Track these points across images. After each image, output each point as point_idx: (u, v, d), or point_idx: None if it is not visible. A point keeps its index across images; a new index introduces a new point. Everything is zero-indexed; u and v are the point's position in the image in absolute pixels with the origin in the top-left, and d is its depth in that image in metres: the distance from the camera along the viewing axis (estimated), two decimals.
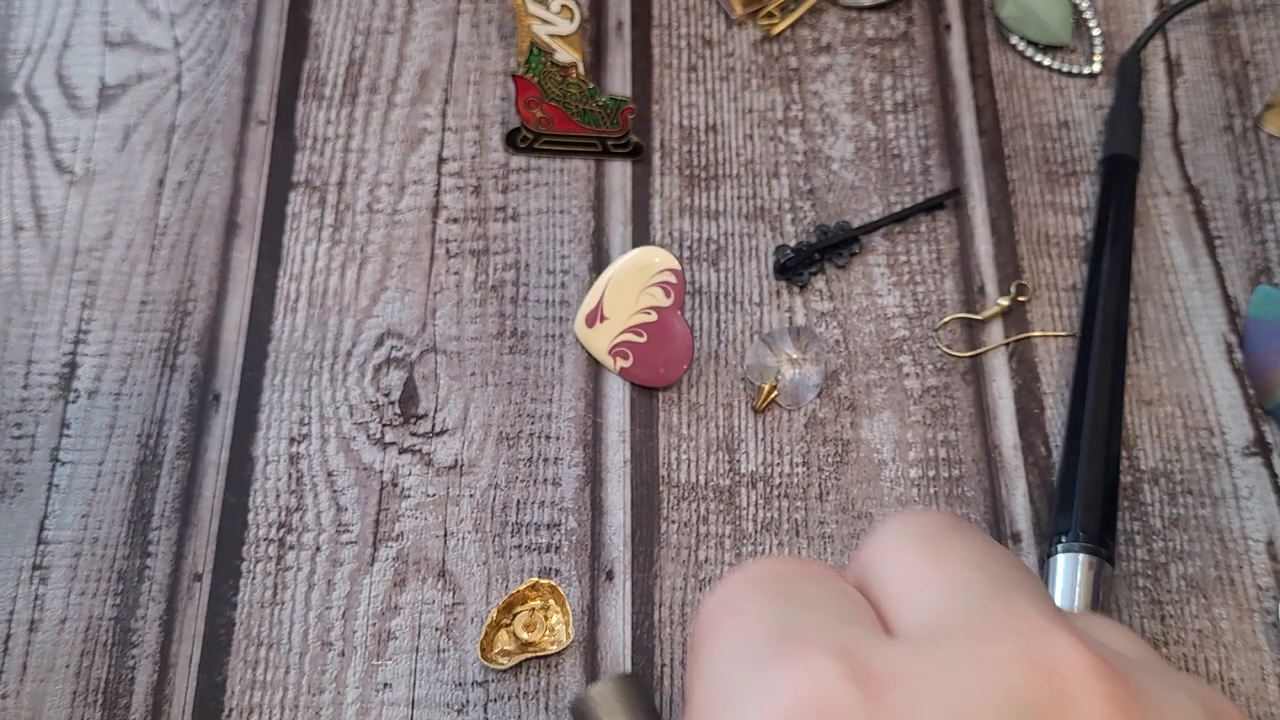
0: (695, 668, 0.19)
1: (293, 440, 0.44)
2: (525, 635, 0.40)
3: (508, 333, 0.46)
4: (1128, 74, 0.50)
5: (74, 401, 0.45)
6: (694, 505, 0.43)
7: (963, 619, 0.18)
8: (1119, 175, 0.47)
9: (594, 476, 0.44)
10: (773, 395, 0.44)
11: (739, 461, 0.44)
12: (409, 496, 0.43)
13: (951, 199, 0.48)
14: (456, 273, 0.47)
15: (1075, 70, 0.51)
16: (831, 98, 0.50)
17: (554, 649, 0.40)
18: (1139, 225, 0.47)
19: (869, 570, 0.21)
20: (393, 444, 0.44)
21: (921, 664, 0.17)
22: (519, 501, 0.43)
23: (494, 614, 0.40)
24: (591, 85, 0.47)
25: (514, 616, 0.40)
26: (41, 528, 0.43)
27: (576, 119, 0.48)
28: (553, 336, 0.46)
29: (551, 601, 0.40)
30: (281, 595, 0.42)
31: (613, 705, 0.36)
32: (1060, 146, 0.49)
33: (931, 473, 0.43)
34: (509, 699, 0.40)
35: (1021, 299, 0.46)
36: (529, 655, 0.40)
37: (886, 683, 0.17)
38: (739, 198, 0.48)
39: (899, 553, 0.20)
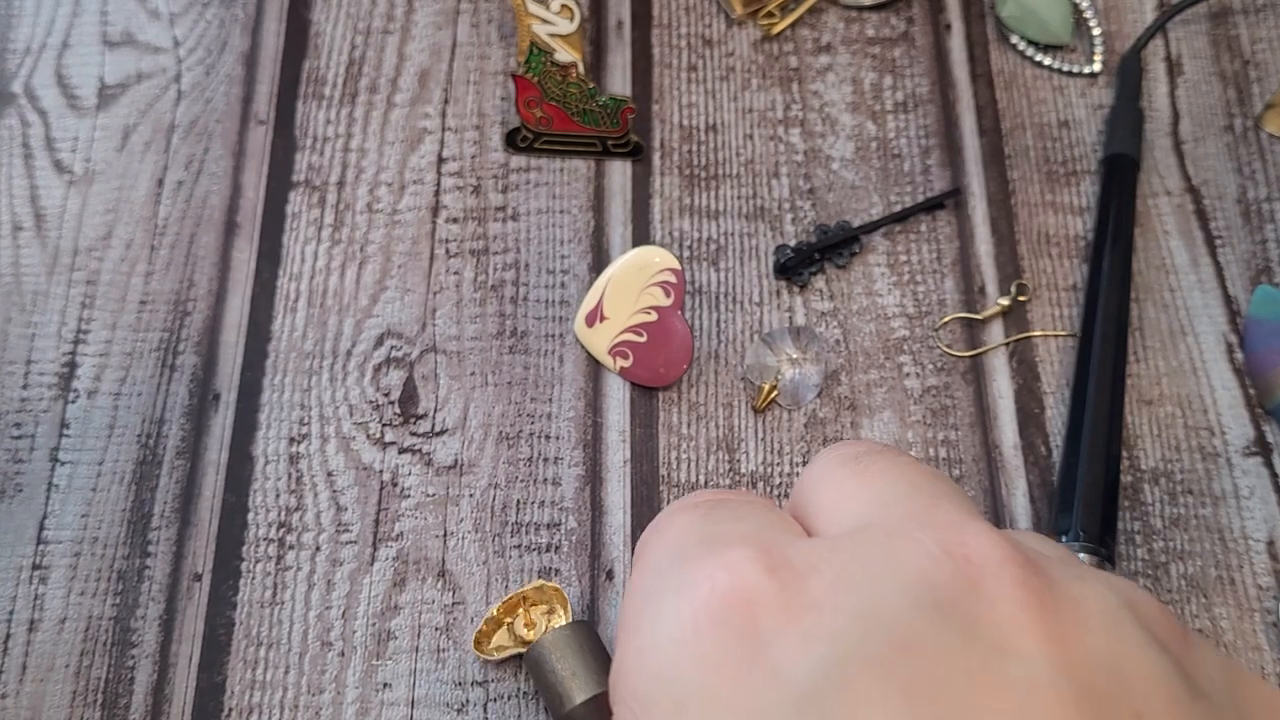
0: (627, 586, 0.20)
1: (292, 440, 0.44)
2: (527, 634, 0.40)
3: (508, 332, 0.46)
4: (1128, 74, 0.50)
5: (73, 401, 0.45)
6: None
7: (881, 519, 0.19)
8: (1119, 175, 0.47)
9: (594, 476, 0.44)
10: (773, 395, 0.44)
11: (739, 461, 0.44)
12: (409, 496, 0.43)
13: (952, 199, 0.48)
14: (456, 272, 0.47)
15: (1076, 70, 0.51)
16: (832, 97, 0.50)
17: None
18: (1139, 225, 0.47)
19: (802, 496, 0.21)
20: (392, 444, 0.44)
21: (835, 555, 0.17)
22: (519, 501, 0.43)
23: (495, 611, 0.40)
24: (591, 85, 0.47)
25: (516, 617, 0.40)
26: (41, 527, 0.43)
27: (576, 119, 0.48)
28: (553, 336, 0.46)
29: (556, 605, 0.40)
30: (281, 595, 0.42)
31: (563, 649, 0.37)
32: (1060, 146, 0.49)
33: None
34: (509, 699, 0.40)
35: (1022, 299, 0.46)
36: (522, 650, 0.40)
37: (801, 572, 0.17)
38: (739, 197, 0.48)
39: (827, 473, 0.21)
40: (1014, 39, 0.51)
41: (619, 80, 0.51)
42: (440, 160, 0.49)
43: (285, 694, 0.40)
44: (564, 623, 0.39)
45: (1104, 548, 0.40)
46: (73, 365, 0.46)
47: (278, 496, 0.43)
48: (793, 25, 0.52)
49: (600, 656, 0.37)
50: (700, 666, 0.17)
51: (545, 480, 0.44)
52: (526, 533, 0.43)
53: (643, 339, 0.44)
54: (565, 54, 0.48)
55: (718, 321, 0.46)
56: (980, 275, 0.47)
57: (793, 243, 0.47)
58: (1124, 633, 0.16)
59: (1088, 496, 0.41)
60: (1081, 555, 0.39)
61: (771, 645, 0.16)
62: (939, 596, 0.16)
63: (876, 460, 0.21)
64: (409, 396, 0.45)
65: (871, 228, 0.47)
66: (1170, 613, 0.18)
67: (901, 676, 0.15)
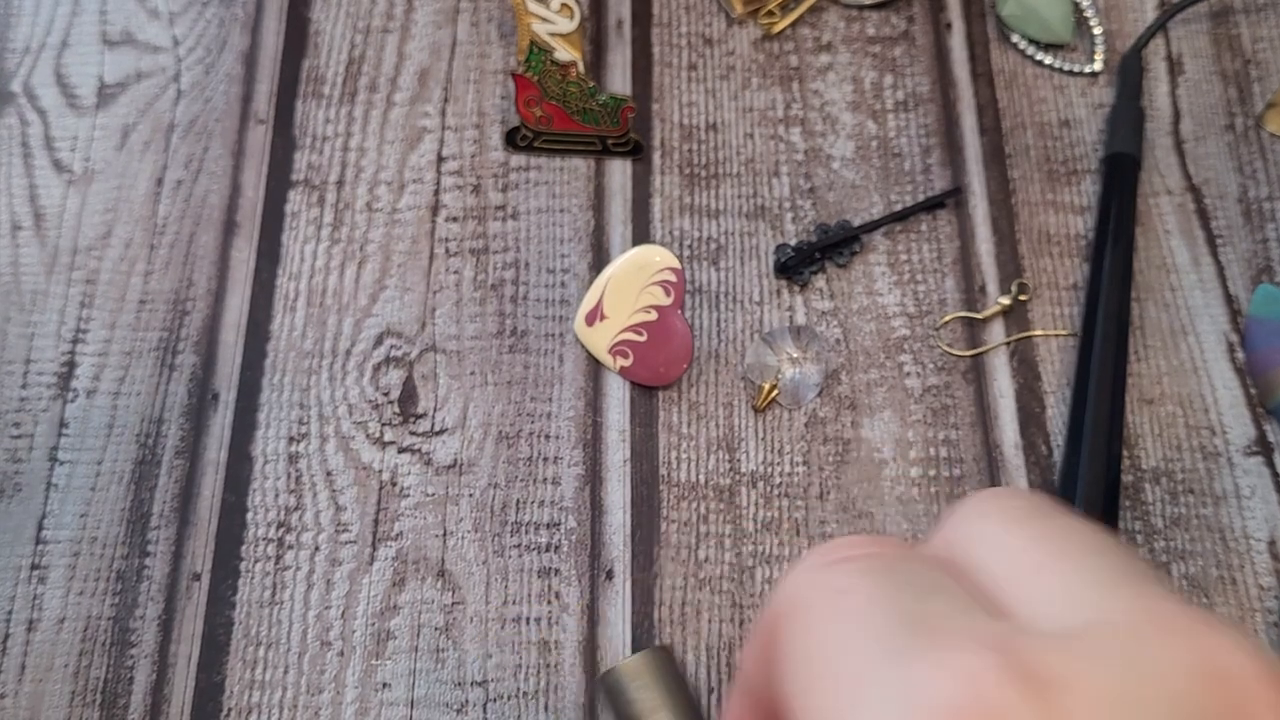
0: (800, 657, 0.17)
1: (291, 439, 0.44)
2: None
3: (507, 332, 0.46)
4: (1129, 73, 0.50)
5: (72, 401, 0.45)
6: (694, 504, 0.43)
7: (1109, 614, 0.17)
8: (1120, 174, 0.47)
9: (594, 476, 0.44)
10: (773, 394, 0.44)
11: (739, 461, 0.44)
12: (408, 496, 0.43)
13: (952, 198, 0.48)
14: (456, 272, 0.47)
15: (1076, 69, 0.51)
16: (832, 96, 0.50)
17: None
18: (1140, 224, 0.47)
19: (960, 556, 0.19)
20: (392, 443, 0.44)
21: (1085, 664, 0.15)
22: (519, 501, 0.43)
23: None
24: (591, 84, 0.46)
25: None
26: (40, 527, 0.43)
27: (576, 118, 0.48)
28: (552, 335, 0.46)
29: None
30: (280, 595, 0.42)
31: (644, 678, 0.35)
32: (1061, 145, 0.49)
33: (932, 472, 0.43)
34: (509, 699, 0.40)
35: (1022, 298, 0.46)
36: None
37: (1052, 683, 0.15)
38: (739, 196, 0.48)
39: (998, 536, 0.19)
40: (1015, 38, 0.51)
41: (619, 79, 0.51)
42: (440, 159, 0.49)
43: (284, 694, 0.40)
44: (640, 651, 0.37)
45: None
46: (72, 365, 0.46)
47: (277, 496, 0.43)
48: (793, 24, 0.52)
49: (682, 687, 0.36)
50: None
51: (545, 480, 0.43)
52: (526, 532, 0.43)
53: (643, 338, 0.44)
54: (565, 53, 0.48)
55: (718, 321, 0.46)
56: (981, 274, 0.47)
57: (793, 242, 0.47)
58: None
59: (1089, 496, 0.41)
60: None
61: None
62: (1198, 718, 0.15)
63: (1052, 524, 0.18)
64: (408, 396, 0.45)
65: (872, 227, 0.47)
66: None
67: None
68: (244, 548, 0.42)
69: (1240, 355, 0.45)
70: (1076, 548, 0.18)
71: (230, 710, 0.40)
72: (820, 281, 0.47)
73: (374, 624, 0.41)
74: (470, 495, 0.43)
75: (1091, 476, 0.41)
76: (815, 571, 0.18)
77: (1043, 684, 0.15)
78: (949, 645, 0.15)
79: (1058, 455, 0.43)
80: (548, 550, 0.42)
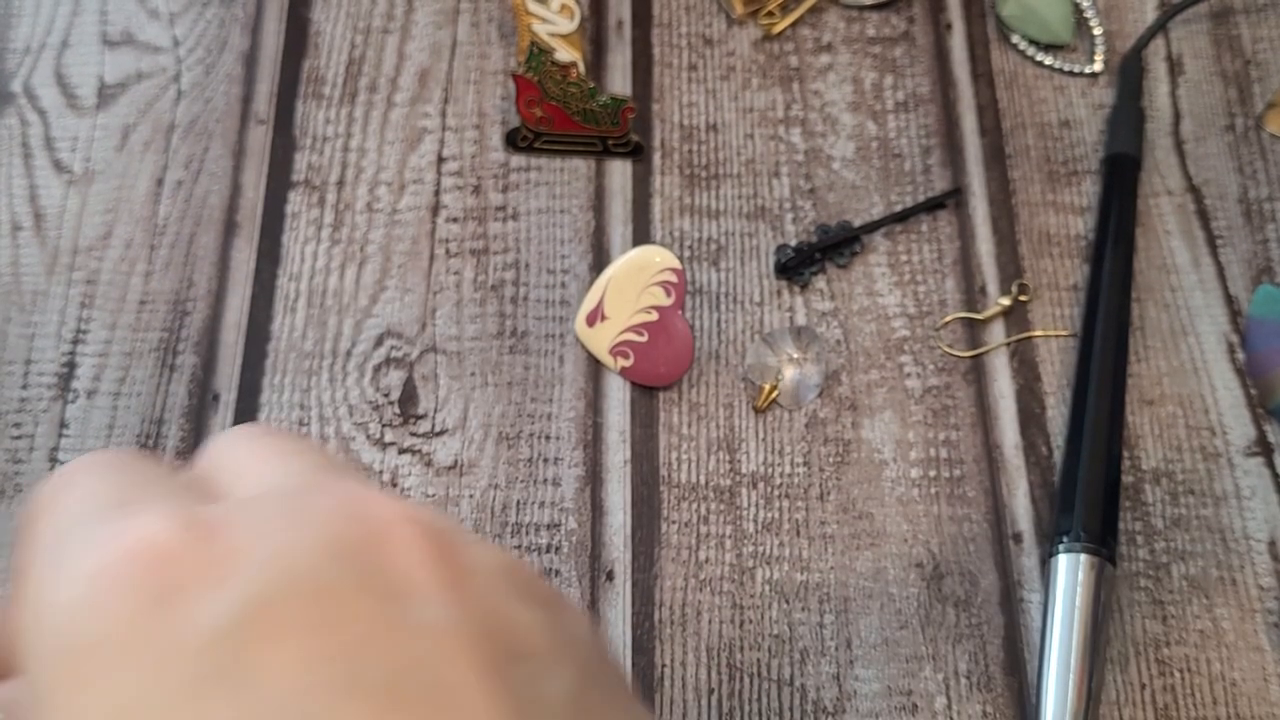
0: (24, 544, 0.20)
1: None
2: None
3: (508, 332, 0.46)
4: (1129, 73, 0.50)
5: (73, 401, 0.45)
6: (694, 505, 0.43)
7: (286, 485, 0.20)
8: (1120, 175, 0.47)
9: (594, 476, 0.44)
10: (773, 395, 0.44)
11: (740, 461, 0.44)
12: (409, 496, 0.43)
13: (953, 198, 0.48)
14: (456, 272, 0.47)
15: (1076, 69, 0.51)
16: (832, 97, 0.50)
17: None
18: (1140, 225, 0.47)
19: (208, 465, 0.22)
20: (392, 444, 0.44)
21: (247, 512, 0.18)
22: (519, 502, 0.43)
23: None
24: (592, 84, 0.47)
25: None
26: None
27: (576, 118, 0.48)
28: (553, 336, 0.46)
29: None
30: None
31: None
32: (1061, 146, 0.49)
33: (933, 473, 0.43)
34: None
35: (1023, 298, 0.46)
36: None
37: (214, 527, 0.17)
38: (739, 197, 0.48)
39: (231, 450, 0.22)
40: (1015, 38, 0.51)
41: (619, 80, 0.51)
42: (440, 160, 0.49)
43: None
44: None
45: (1105, 548, 0.40)
46: (72, 365, 0.46)
47: None
48: (793, 25, 0.52)
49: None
50: (104, 623, 0.16)
51: (545, 481, 0.43)
52: (526, 533, 0.43)
53: (644, 338, 0.44)
54: (565, 53, 0.48)
55: (718, 321, 0.46)
56: (981, 275, 0.47)
57: (793, 242, 0.47)
58: (510, 589, 0.18)
59: (1089, 496, 0.41)
60: (1082, 555, 0.39)
61: (179, 596, 0.16)
62: (348, 549, 0.17)
63: (282, 439, 0.22)
64: (409, 397, 0.45)
65: (872, 227, 0.47)
66: (545, 580, 0.20)
67: (310, 619, 0.16)
68: None
69: (1240, 356, 0.45)
70: (287, 452, 0.21)
71: None
72: (820, 282, 0.47)
73: None
74: (470, 496, 0.43)
75: (1091, 477, 0.41)
76: (58, 474, 0.21)
77: (208, 528, 0.17)
78: (139, 513, 0.18)
79: (1058, 455, 0.43)
80: (548, 551, 0.42)
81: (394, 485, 0.43)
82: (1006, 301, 0.46)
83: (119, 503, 0.19)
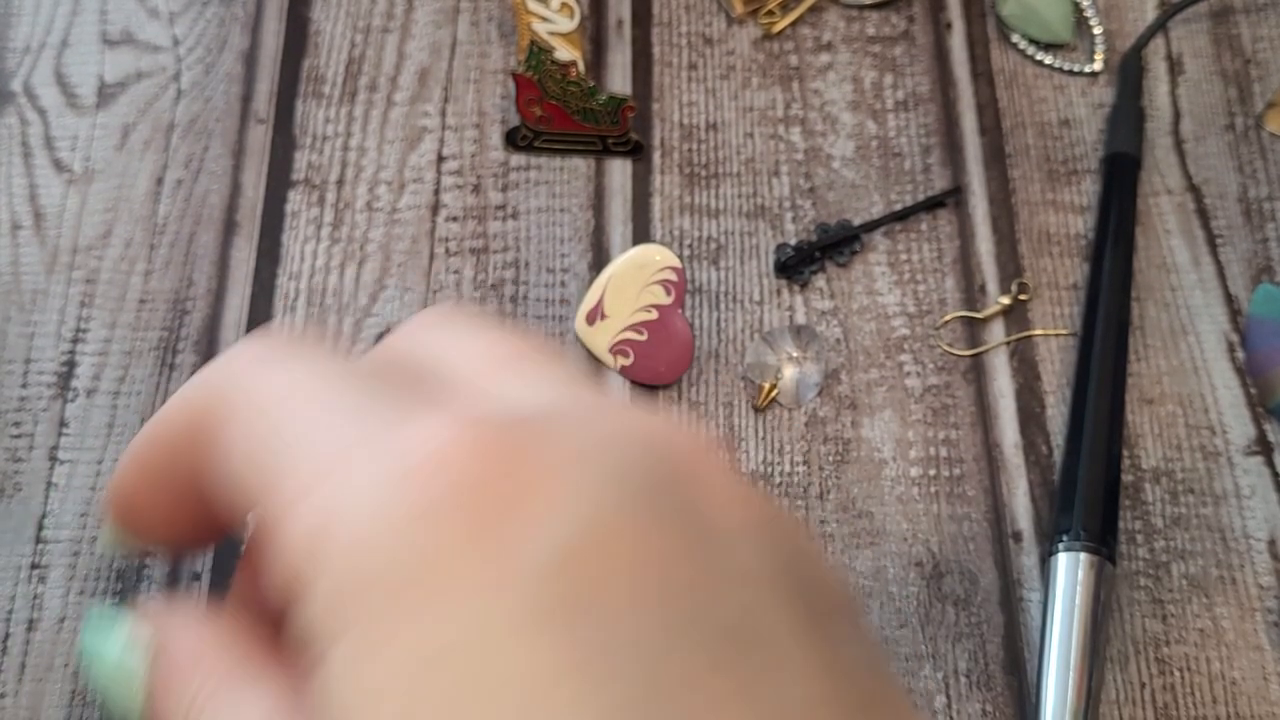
0: (261, 449, 0.17)
1: None
2: None
3: None
4: (1129, 72, 0.50)
5: (72, 400, 0.45)
6: None
7: (556, 398, 0.18)
8: (1120, 174, 0.47)
9: None
10: (773, 394, 0.44)
11: (739, 460, 0.44)
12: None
13: (952, 197, 0.48)
14: (456, 271, 0.47)
15: (1076, 69, 0.51)
16: (832, 96, 0.50)
17: None
18: (1140, 224, 0.47)
19: (411, 361, 0.19)
20: None
21: (542, 431, 0.16)
22: None
23: None
24: (591, 83, 0.46)
25: None
26: (40, 527, 0.43)
27: (576, 117, 0.48)
28: (552, 335, 0.46)
29: None
30: None
31: None
32: (1061, 145, 0.49)
33: (932, 471, 0.43)
34: None
35: (1023, 298, 0.46)
36: None
37: (518, 444, 0.16)
38: (739, 196, 0.48)
39: (455, 341, 0.19)
40: (1015, 38, 0.51)
41: (619, 79, 0.51)
42: (440, 159, 0.49)
43: None
44: None
45: (1105, 547, 0.40)
46: (72, 364, 0.46)
47: None
48: (793, 24, 0.52)
49: None
50: (417, 556, 0.15)
51: None
52: None
53: (643, 337, 0.44)
54: (565, 52, 0.48)
55: (718, 320, 0.46)
56: (981, 274, 0.47)
57: (793, 241, 0.47)
58: (802, 536, 0.18)
59: (1089, 495, 0.41)
60: (1082, 554, 0.39)
61: (498, 526, 0.15)
62: (660, 484, 0.16)
63: (502, 330, 0.20)
64: None
65: (872, 226, 0.47)
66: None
67: (638, 558, 0.15)
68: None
69: (1240, 355, 0.45)
70: (530, 351, 0.19)
71: None
72: (820, 281, 0.47)
73: None
74: None
75: (1091, 476, 0.41)
76: (247, 374, 0.18)
77: (511, 445, 0.16)
78: (419, 408, 0.16)
79: (1058, 455, 0.43)
80: None
81: None
82: (1006, 301, 0.46)
83: (389, 394, 0.17)
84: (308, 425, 0.17)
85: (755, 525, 0.17)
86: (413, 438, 0.16)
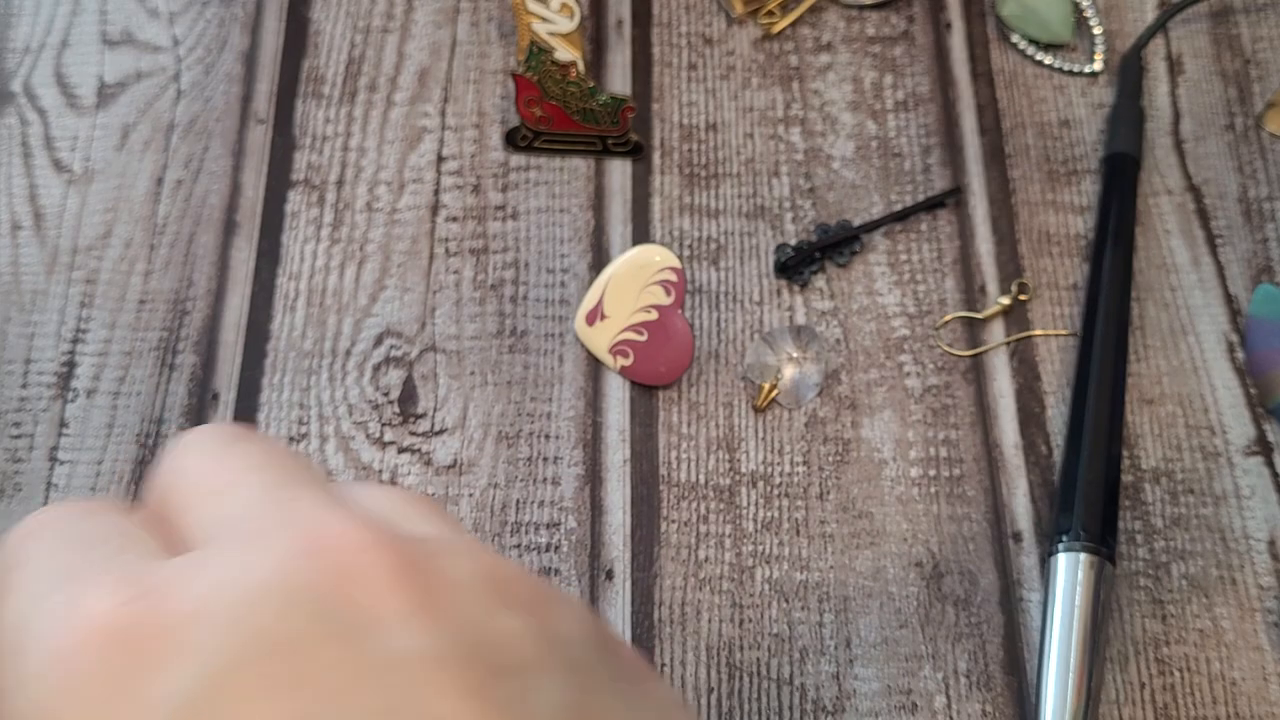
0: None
1: (292, 439, 0.44)
2: None
3: (507, 332, 0.46)
4: (1129, 73, 0.50)
5: (72, 401, 0.45)
6: (694, 504, 0.43)
7: (238, 523, 0.19)
8: (1120, 174, 0.47)
9: (594, 476, 0.44)
10: (773, 394, 0.44)
11: (739, 461, 0.44)
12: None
13: (952, 198, 0.48)
14: (456, 271, 0.47)
15: (1076, 69, 0.51)
16: (832, 96, 0.50)
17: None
18: (1140, 224, 0.47)
19: (163, 492, 0.21)
20: (392, 443, 0.44)
21: (195, 571, 0.17)
22: (518, 501, 0.43)
23: None
24: (591, 84, 0.46)
25: None
26: None
27: (576, 117, 0.48)
28: (552, 335, 0.46)
29: None
30: None
31: None
32: (1061, 145, 0.49)
33: (932, 472, 0.43)
34: None
35: (1022, 298, 0.46)
36: None
37: (167, 593, 0.17)
38: (739, 196, 0.48)
39: (184, 468, 0.21)
40: (1015, 38, 0.51)
41: (619, 79, 0.51)
42: (440, 159, 0.49)
43: None
44: None
45: (1105, 547, 0.40)
46: (72, 364, 0.46)
47: None
48: (793, 24, 0.52)
49: None
50: (71, 704, 0.16)
51: (545, 480, 0.43)
52: (526, 532, 0.43)
53: (643, 337, 0.44)
54: (565, 52, 0.48)
55: (718, 320, 0.46)
56: (981, 274, 0.47)
57: (793, 242, 0.47)
58: (490, 596, 0.17)
59: (1088, 496, 0.41)
60: (1082, 554, 0.39)
61: (140, 673, 0.16)
62: (310, 593, 0.16)
63: (233, 449, 0.21)
64: (408, 396, 0.45)
65: (872, 227, 0.47)
66: (532, 578, 0.19)
67: (280, 676, 0.16)
68: None
69: (1240, 355, 0.45)
70: (239, 468, 0.20)
71: None
72: (820, 281, 0.47)
73: None
74: (470, 495, 0.43)
75: (1091, 476, 0.41)
76: (5, 547, 0.21)
77: (160, 594, 0.17)
78: (88, 588, 0.18)
79: (1057, 455, 0.43)
80: (547, 550, 0.42)
81: (394, 484, 0.43)
82: (1006, 301, 0.46)
83: (69, 574, 0.19)
84: (17, 605, 0.19)
85: (419, 606, 0.17)
86: (78, 609, 0.17)
